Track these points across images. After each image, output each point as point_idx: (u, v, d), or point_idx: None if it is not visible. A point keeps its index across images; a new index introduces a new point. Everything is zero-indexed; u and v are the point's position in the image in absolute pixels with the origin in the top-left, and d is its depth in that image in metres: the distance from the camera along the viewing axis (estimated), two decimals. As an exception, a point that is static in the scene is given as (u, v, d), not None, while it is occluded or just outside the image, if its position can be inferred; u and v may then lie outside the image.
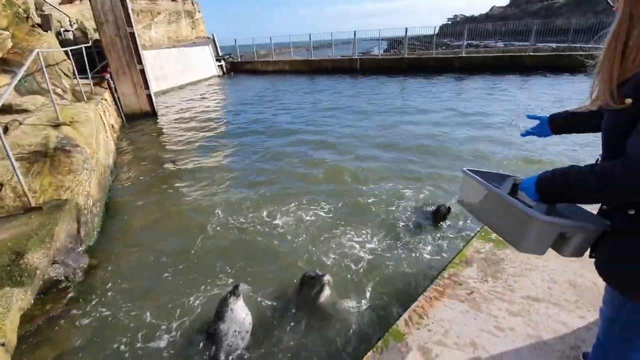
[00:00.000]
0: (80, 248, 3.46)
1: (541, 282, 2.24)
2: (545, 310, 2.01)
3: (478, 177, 1.36)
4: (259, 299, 2.84)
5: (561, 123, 1.48)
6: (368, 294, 2.83)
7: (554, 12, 45.25)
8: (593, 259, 1.18)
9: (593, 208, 1.21)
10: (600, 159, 1.15)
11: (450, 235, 3.60)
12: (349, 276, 3.07)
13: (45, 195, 3.43)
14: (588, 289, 2.12)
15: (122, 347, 2.51)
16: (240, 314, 2.41)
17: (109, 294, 3.02)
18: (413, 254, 3.32)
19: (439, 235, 3.61)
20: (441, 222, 3.77)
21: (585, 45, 16.18)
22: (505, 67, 15.59)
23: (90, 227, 3.84)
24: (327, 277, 2.68)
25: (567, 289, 2.16)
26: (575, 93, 10.61)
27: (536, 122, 1.57)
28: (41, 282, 2.65)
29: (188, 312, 2.75)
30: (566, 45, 16.91)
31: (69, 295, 2.88)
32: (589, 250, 1.19)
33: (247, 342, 2.39)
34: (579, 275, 2.26)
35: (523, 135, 1.65)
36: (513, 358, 1.72)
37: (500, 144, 6.33)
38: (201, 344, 2.42)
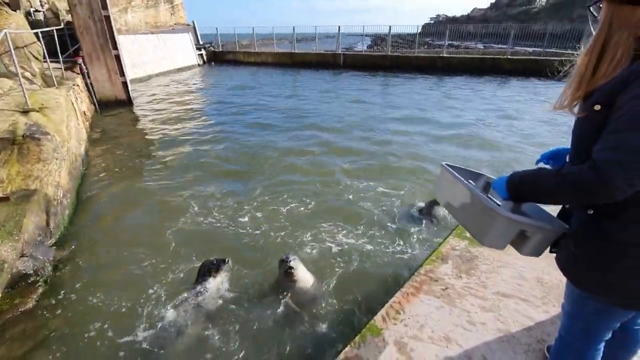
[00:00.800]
0: (50, 241, 3.32)
1: (511, 279, 2.35)
2: (514, 305, 2.12)
3: (454, 173, 1.42)
4: (235, 286, 2.84)
5: None
6: (346, 288, 2.88)
7: (532, 17, 46.77)
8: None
9: (554, 209, 1.29)
10: (568, 163, 1.22)
11: (429, 233, 3.70)
12: (329, 270, 3.10)
13: (13, 185, 3.26)
14: (555, 285, 2.25)
15: (94, 341, 2.44)
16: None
17: (79, 287, 2.91)
18: (391, 249, 3.40)
19: (419, 231, 3.70)
20: (424, 219, 3.87)
21: (559, 51, 16.85)
22: (484, 69, 16.03)
23: (60, 219, 3.69)
24: (292, 257, 2.74)
25: (535, 286, 2.29)
26: (550, 97, 11.06)
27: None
28: (9, 276, 2.53)
29: (160, 303, 2.70)
30: (542, 49, 17.55)
31: (39, 289, 2.77)
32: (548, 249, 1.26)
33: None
34: (546, 273, 2.39)
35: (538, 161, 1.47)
36: (483, 351, 1.81)
37: (482, 146, 6.54)
38: (174, 332, 2.40)
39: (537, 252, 1.25)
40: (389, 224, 3.84)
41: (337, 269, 3.12)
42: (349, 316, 2.61)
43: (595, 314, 1.20)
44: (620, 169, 0.87)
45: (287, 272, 2.67)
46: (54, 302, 2.73)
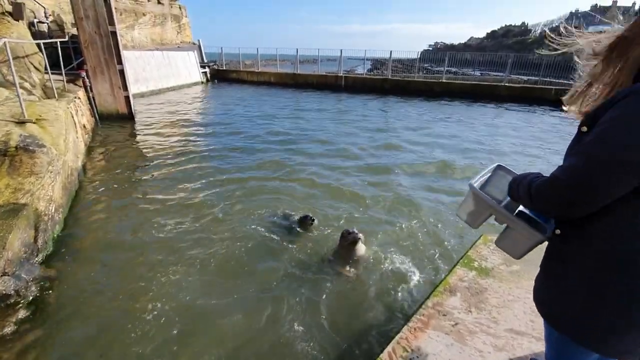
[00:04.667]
0: (36, 258, 3.15)
1: (524, 314, 2.21)
2: (528, 344, 1.98)
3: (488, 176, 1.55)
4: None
5: None
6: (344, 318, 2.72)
7: (526, 47, 48.26)
8: None
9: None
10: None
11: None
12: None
13: (1, 199, 3.12)
14: (570, 323, 2.12)
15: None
16: None
17: (64, 311, 2.73)
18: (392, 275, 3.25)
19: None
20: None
21: (554, 80, 17.23)
22: (482, 95, 16.32)
23: (50, 235, 3.53)
24: (360, 235, 3.35)
25: (549, 323, 2.15)
26: (544, 124, 11.19)
27: None
28: (-15, 298, 2.36)
29: (151, 335, 2.53)
30: (537, 78, 17.97)
31: (19, 312, 2.58)
32: None
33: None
34: (559, 309, 2.25)
35: None
36: (499, 398, 1.65)
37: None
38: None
39: (512, 249, 1.32)
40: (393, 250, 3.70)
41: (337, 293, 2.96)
42: (350, 349, 2.44)
43: (565, 353, 1.15)
44: (551, 192, 0.94)
45: (354, 241, 3.32)
46: (36, 326, 2.54)
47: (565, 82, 16.56)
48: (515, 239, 1.28)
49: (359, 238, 3.35)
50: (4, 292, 2.51)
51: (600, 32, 1.04)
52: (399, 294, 3.01)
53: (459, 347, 1.93)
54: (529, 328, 2.09)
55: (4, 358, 2.26)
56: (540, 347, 1.96)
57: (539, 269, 1.21)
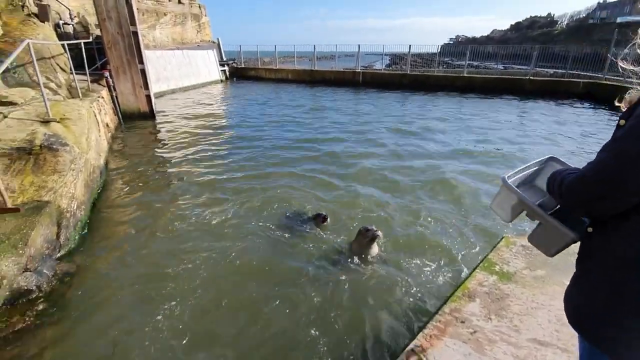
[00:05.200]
0: (58, 254, 3.25)
1: (548, 323, 2.08)
2: (552, 356, 1.85)
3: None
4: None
5: None
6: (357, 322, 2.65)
7: (552, 39, 46.32)
8: None
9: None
10: None
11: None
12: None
13: (25, 196, 3.23)
14: (599, 335, 1.97)
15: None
16: None
17: (84, 307, 2.79)
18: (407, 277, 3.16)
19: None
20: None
21: (582, 73, 16.43)
22: (505, 89, 15.75)
23: (72, 232, 3.63)
24: (379, 232, 3.34)
25: (576, 333, 2.01)
26: (574, 118, 10.66)
27: None
28: (7, 293, 2.44)
29: (165, 330, 2.55)
30: (564, 71, 17.17)
31: (40, 306, 2.66)
32: None
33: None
34: (588, 318, 2.11)
35: None
36: (521, 413, 1.55)
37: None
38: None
39: (542, 246, 1.26)
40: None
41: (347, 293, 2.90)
42: (362, 354, 2.37)
43: None
44: (582, 187, 0.92)
45: (373, 238, 3.32)
46: (55, 321, 2.61)
47: (593, 74, 15.76)
48: (547, 237, 1.23)
49: (378, 235, 3.32)
50: (25, 288, 2.60)
51: None
52: (415, 297, 2.91)
53: (478, 357, 1.83)
54: (554, 338, 1.97)
55: (24, 351, 2.33)
56: (564, 358, 1.84)
57: (564, 274, 1.14)
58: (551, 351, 1.89)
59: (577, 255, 1.11)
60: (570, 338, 1.97)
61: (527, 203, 1.24)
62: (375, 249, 3.44)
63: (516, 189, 1.29)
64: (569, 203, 1.00)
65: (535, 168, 1.48)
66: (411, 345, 1.89)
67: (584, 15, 51.02)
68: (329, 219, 4.02)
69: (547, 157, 1.50)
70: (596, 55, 16.64)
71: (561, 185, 1.00)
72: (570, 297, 1.10)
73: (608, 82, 14.24)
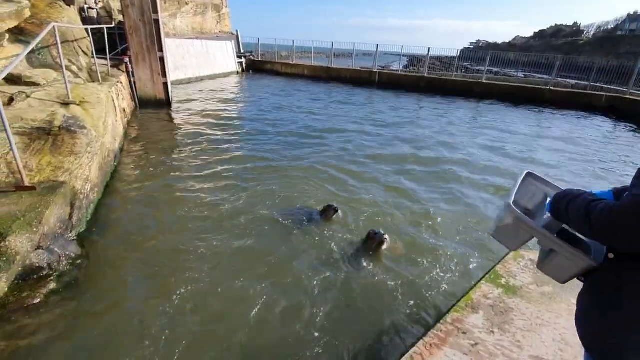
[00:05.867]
0: (70, 234, 3.32)
1: (552, 341, 2.05)
2: (555, 376, 1.83)
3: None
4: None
5: None
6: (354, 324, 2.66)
7: (577, 49, 45.14)
8: None
9: None
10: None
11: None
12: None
13: (42, 175, 3.31)
14: (604, 357, 1.93)
15: (97, 346, 2.37)
16: None
17: (92, 287, 2.87)
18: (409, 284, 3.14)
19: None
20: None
21: (605, 86, 15.99)
22: (524, 98, 15.43)
23: (85, 214, 3.71)
24: (387, 237, 3.49)
25: (580, 353, 1.97)
26: (594, 132, 10.40)
27: None
28: (20, 269, 2.51)
29: (177, 314, 2.60)
30: (587, 83, 16.74)
31: (50, 284, 2.74)
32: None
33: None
34: (593, 339, 2.07)
35: None
36: None
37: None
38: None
39: (555, 274, 1.21)
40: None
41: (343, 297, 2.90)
42: (361, 357, 2.38)
43: None
44: (621, 221, 0.84)
45: (381, 242, 3.45)
46: (64, 299, 2.69)
47: (618, 88, 15.33)
48: (561, 264, 1.16)
49: (385, 239, 3.42)
50: (37, 265, 2.67)
51: None
52: (417, 304, 2.90)
53: (477, 370, 1.82)
54: (557, 357, 1.94)
55: (33, 327, 2.40)
56: (568, 379, 1.81)
57: (572, 293, 1.11)
58: (553, 370, 1.86)
59: (589, 278, 1.08)
60: (574, 359, 1.93)
61: (541, 232, 1.16)
62: (382, 253, 3.45)
63: (524, 216, 1.20)
64: (600, 236, 0.93)
65: (517, 186, 1.41)
66: (410, 353, 1.88)
67: (612, 27, 49.49)
68: (340, 212, 4.04)
69: (524, 173, 1.44)
70: (622, 68, 16.15)
71: (588, 215, 0.92)
72: (589, 322, 1.06)
73: (633, 97, 13.83)
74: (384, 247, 3.47)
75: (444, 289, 3.09)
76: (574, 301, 1.13)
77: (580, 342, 2.06)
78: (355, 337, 2.52)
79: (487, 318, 2.19)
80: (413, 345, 1.96)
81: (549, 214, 1.19)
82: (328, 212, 4.05)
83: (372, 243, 3.49)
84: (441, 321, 2.13)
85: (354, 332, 2.56)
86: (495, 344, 1.99)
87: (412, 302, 2.90)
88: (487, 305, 2.30)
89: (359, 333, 2.56)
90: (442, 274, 3.29)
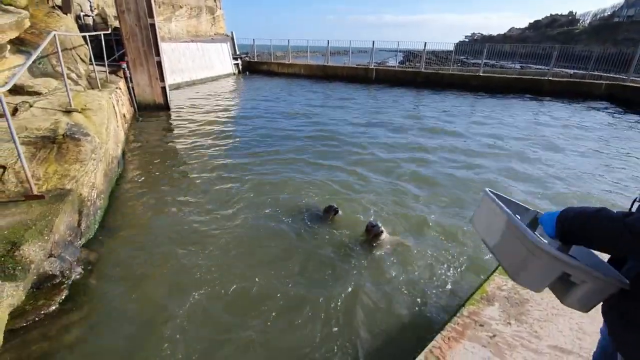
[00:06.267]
0: (80, 241, 3.33)
1: (569, 330, 2.06)
2: (575, 364, 1.84)
3: (497, 200, 1.28)
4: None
5: None
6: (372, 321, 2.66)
7: (573, 38, 45.06)
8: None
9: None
10: None
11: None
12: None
13: (49, 184, 3.31)
14: (622, 344, 1.94)
15: (115, 350, 2.37)
16: None
17: (106, 293, 2.88)
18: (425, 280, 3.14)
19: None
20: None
21: (604, 74, 15.99)
22: (523, 89, 15.42)
23: (92, 220, 3.72)
24: (379, 223, 3.63)
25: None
26: (595, 122, 10.40)
27: None
28: (35, 277, 2.51)
29: (190, 320, 2.60)
30: (585, 72, 16.75)
31: (64, 291, 2.74)
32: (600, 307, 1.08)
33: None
34: (610, 327, 2.08)
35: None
36: (542, 420, 1.55)
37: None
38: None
39: (583, 305, 1.06)
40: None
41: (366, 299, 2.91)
42: (378, 354, 2.38)
43: None
44: None
45: (377, 234, 3.53)
46: (78, 305, 2.70)
47: (617, 76, 15.31)
48: (589, 293, 1.02)
49: (382, 231, 3.54)
50: (50, 273, 2.67)
51: None
52: (431, 297, 2.91)
53: (497, 361, 1.82)
54: (576, 346, 1.95)
55: (49, 332, 2.41)
56: (588, 367, 1.82)
57: None
58: (573, 359, 1.87)
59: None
60: (593, 347, 1.93)
61: (586, 269, 0.99)
62: (385, 243, 3.53)
63: (564, 254, 1.02)
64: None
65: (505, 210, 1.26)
66: (429, 347, 1.89)
67: (609, 14, 49.27)
68: (340, 212, 4.08)
69: (482, 193, 1.38)
70: (621, 55, 16.10)
71: (630, 229, 0.84)
72: (625, 338, 1.01)
73: (633, 84, 13.80)
74: (382, 237, 3.56)
75: (456, 281, 3.10)
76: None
77: (596, 330, 2.07)
78: (371, 333, 2.53)
79: (503, 310, 2.20)
80: (431, 339, 1.96)
81: (550, 237, 1.09)
82: (329, 212, 4.11)
83: (368, 235, 3.61)
84: (457, 314, 2.14)
85: (368, 328, 2.57)
86: (513, 335, 2.00)
87: (424, 295, 2.91)
88: (502, 297, 2.31)
89: (374, 329, 2.56)
90: (452, 267, 3.29)
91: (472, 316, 2.12)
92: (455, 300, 2.83)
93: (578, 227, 0.96)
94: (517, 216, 1.25)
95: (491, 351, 1.88)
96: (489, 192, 1.36)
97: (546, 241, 1.12)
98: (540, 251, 1.01)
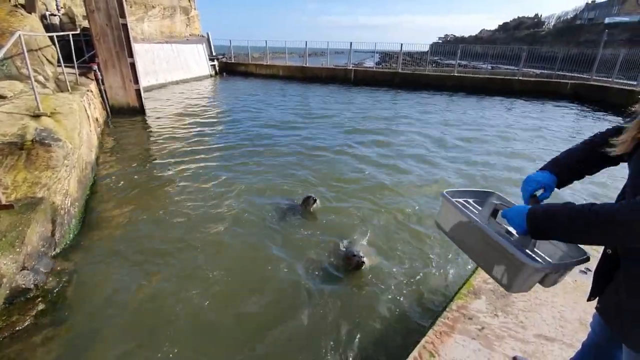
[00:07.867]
0: (54, 252, 3.16)
1: (552, 319, 2.14)
2: (559, 351, 1.91)
3: (460, 206, 1.30)
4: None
5: (565, 179, 1.29)
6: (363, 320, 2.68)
7: (539, 40, 47.25)
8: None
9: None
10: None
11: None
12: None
13: (18, 192, 3.12)
14: (601, 330, 2.04)
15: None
16: None
17: (83, 304, 2.74)
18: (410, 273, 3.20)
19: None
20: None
21: (569, 74, 16.85)
22: (494, 89, 16.02)
23: (67, 229, 3.54)
24: (361, 253, 3.20)
25: (579, 328, 2.07)
26: (557, 120, 10.93)
27: (540, 190, 1.27)
28: (7, 292, 2.36)
29: (170, 326, 2.51)
30: (551, 72, 17.59)
31: (38, 305, 2.59)
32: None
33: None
34: (588, 314, 2.18)
35: (526, 202, 1.28)
36: (533, 407, 1.60)
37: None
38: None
39: (554, 283, 1.16)
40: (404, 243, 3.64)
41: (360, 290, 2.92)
42: (373, 351, 2.39)
43: None
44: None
45: (358, 265, 3.11)
46: (55, 319, 2.54)
47: (580, 75, 16.19)
48: (559, 276, 1.15)
49: (364, 262, 3.11)
50: (24, 287, 2.52)
51: None
52: (418, 293, 2.95)
53: (488, 353, 1.87)
54: (559, 334, 2.03)
55: (25, 351, 2.26)
56: (570, 353, 1.89)
57: None
58: (557, 346, 1.94)
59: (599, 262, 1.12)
60: (575, 334, 2.03)
61: (566, 267, 1.12)
62: (361, 274, 3.16)
63: (548, 263, 1.17)
64: (617, 238, 0.90)
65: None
66: (422, 342, 1.92)
67: (572, 17, 51.97)
68: (318, 202, 4.24)
69: (441, 196, 1.39)
70: (583, 56, 17.07)
71: (613, 220, 0.86)
72: (615, 300, 1.07)
73: (595, 83, 14.64)
74: (364, 268, 3.14)
75: (443, 276, 3.16)
76: (568, 279, 1.18)
77: (577, 317, 2.17)
78: (364, 331, 2.53)
79: (490, 302, 2.26)
80: (424, 334, 1.99)
81: (519, 234, 1.14)
82: (308, 202, 4.25)
83: (348, 266, 3.19)
84: (447, 309, 2.18)
85: (360, 326, 2.58)
86: (501, 327, 2.06)
87: (412, 292, 2.95)
88: (488, 289, 2.38)
89: (366, 327, 2.57)
90: (438, 262, 3.36)
91: (460, 310, 2.17)
92: (446, 295, 2.89)
93: (551, 225, 0.99)
94: (476, 204, 1.37)
95: (481, 343, 1.93)
96: (447, 196, 1.35)
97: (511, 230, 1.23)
98: (530, 268, 1.06)
